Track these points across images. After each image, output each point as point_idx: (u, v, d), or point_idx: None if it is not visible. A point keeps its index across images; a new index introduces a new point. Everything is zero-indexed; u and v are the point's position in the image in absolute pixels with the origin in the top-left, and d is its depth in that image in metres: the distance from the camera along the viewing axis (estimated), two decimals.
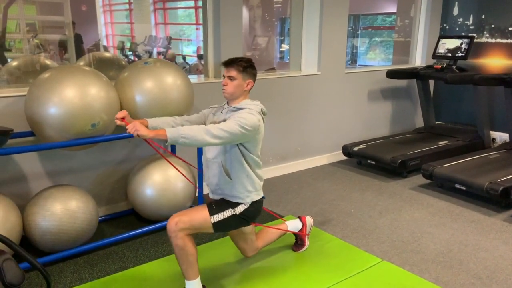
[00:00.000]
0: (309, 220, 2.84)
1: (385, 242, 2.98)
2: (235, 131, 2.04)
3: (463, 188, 3.65)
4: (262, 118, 2.23)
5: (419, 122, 5.54)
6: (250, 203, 2.25)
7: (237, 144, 2.17)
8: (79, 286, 2.44)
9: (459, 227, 3.22)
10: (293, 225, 2.79)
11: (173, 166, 2.47)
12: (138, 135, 1.95)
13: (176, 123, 2.26)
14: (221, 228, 2.23)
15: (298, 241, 2.84)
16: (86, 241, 2.78)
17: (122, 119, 2.09)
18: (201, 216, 2.18)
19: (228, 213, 2.22)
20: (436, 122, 5.45)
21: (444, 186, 3.98)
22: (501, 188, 3.36)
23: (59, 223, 2.60)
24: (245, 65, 2.21)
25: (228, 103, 2.29)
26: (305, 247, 2.82)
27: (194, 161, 3.35)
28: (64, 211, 2.62)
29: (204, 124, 2.30)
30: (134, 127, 1.95)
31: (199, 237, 3.01)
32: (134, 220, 3.27)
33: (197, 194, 3.29)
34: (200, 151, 3.18)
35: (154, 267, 2.65)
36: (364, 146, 4.55)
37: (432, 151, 4.41)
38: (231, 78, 2.20)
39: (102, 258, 2.74)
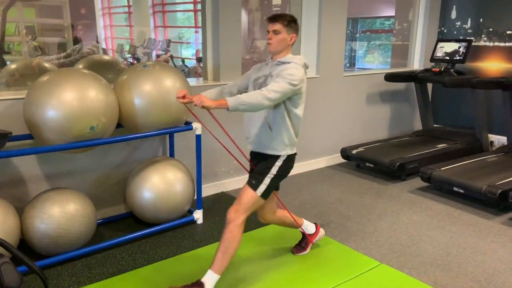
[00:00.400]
0: (322, 231, 2.88)
1: (383, 245, 2.98)
2: (286, 89, 2.17)
3: (462, 191, 3.66)
4: (305, 71, 2.33)
5: (418, 125, 5.55)
6: (285, 156, 2.36)
7: None
8: None
9: (458, 230, 3.22)
10: (308, 226, 2.82)
11: (231, 139, 2.51)
12: (203, 106, 2.10)
13: (225, 93, 2.47)
14: (267, 194, 2.37)
15: (302, 243, 2.84)
16: (84, 244, 2.78)
17: (183, 96, 2.21)
18: (249, 196, 2.32)
19: (267, 180, 2.34)
20: (435, 125, 5.46)
21: (442, 189, 3.98)
22: (499, 191, 3.37)
23: (57, 226, 2.59)
24: (289, 20, 2.30)
25: (272, 58, 2.39)
26: (305, 252, 2.82)
27: (192, 165, 3.35)
28: (62, 214, 2.62)
29: (248, 84, 2.45)
30: (200, 99, 2.10)
31: (197, 241, 3.01)
32: (132, 223, 3.27)
33: (195, 197, 3.30)
34: (199, 154, 3.18)
35: (153, 270, 2.64)
36: (362, 149, 4.55)
37: (431, 154, 4.42)
38: (275, 32, 2.29)
39: (100, 261, 2.74)
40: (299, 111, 2.34)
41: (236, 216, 2.28)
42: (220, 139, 2.69)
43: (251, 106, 2.13)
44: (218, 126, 2.48)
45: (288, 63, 2.28)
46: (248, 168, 2.56)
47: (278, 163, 2.36)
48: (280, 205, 2.70)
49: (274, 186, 2.40)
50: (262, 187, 2.32)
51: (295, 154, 2.43)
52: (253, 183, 2.34)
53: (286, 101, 2.27)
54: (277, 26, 2.28)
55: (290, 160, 2.40)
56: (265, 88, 2.15)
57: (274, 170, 2.35)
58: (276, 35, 2.29)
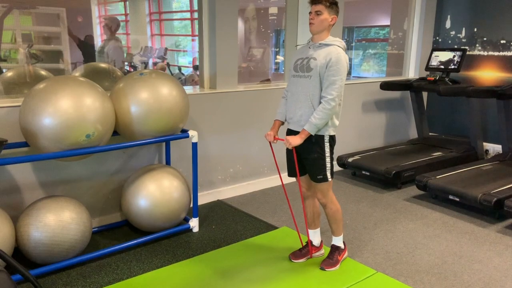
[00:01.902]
0: (323, 251, 2.90)
1: (379, 253, 2.98)
2: (341, 86, 2.44)
3: (457, 199, 3.67)
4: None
5: (413, 134, 5.58)
6: (328, 136, 2.55)
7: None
8: None
9: (453, 238, 3.23)
10: (316, 236, 2.85)
11: (295, 160, 2.63)
12: (293, 147, 2.47)
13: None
14: (333, 172, 2.63)
15: (302, 250, 2.84)
16: (79, 253, 2.76)
17: (274, 137, 2.60)
18: (324, 186, 2.60)
19: (328, 165, 2.57)
20: (430, 134, 5.49)
21: (438, 197, 4.00)
22: (495, 199, 3.38)
23: (52, 234, 2.58)
24: (331, 2, 2.46)
25: (312, 39, 2.55)
26: (302, 260, 2.81)
27: (188, 173, 3.34)
28: (57, 222, 2.60)
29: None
30: (289, 142, 2.46)
31: (193, 249, 3.00)
32: (128, 232, 3.25)
33: (191, 205, 3.29)
34: (195, 162, 3.18)
35: (148, 279, 2.63)
36: (358, 157, 4.57)
37: (426, 162, 4.44)
38: (318, 12, 2.44)
39: (95, 270, 2.72)
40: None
41: (326, 198, 2.62)
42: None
43: (326, 121, 2.45)
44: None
45: (330, 45, 2.46)
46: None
47: (326, 144, 2.55)
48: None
49: (332, 163, 2.61)
50: (328, 174, 2.58)
51: (335, 135, 2.62)
52: (321, 178, 2.57)
53: None
54: (320, 7, 2.42)
55: (333, 140, 2.60)
56: (326, 99, 2.41)
57: (327, 151, 2.56)
58: (318, 16, 2.44)
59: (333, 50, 2.44)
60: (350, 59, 9.63)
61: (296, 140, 2.45)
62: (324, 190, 2.61)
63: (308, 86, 2.49)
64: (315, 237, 2.84)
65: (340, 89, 2.44)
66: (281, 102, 2.72)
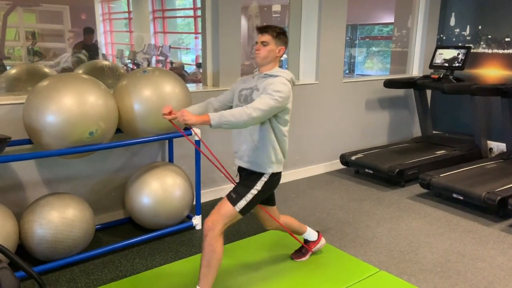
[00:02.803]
0: (323, 240, 2.88)
1: (382, 251, 2.98)
2: (271, 107, 2.11)
3: (461, 197, 3.66)
4: (292, 87, 2.27)
5: (417, 132, 5.56)
6: (270, 174, 2.29)
7: None
8: None
9: (457, 237, 3.22)
10: (310, 233, 2.82)
11: (214, 163, 2.50)
12: (185, 123, 2.08)
13: (210, 108, 2.42)
14: (247, 210, 2.27)
15: (302, 249, 2.84)
16: (82, 250, 2.77)
17: (169, 113, 2.22)
18: (228, 210, 2.23)
19: (249, 196, 2.25)
20: (434, 132, 5.47)
21: (441, 195, 3.98)
22: (499, 198, 3.37)
23: (55, 231, 2.59)
24: (278, 31, 2.27)
25: (258, 70, 2.35)
26: (304, 258, 2.81)
27: (191, 171, 3.34)
28: (61, 219, 2.61)
29: (233, 98, 2.39)
30: (182, 115, 2.08)
31: (196, 246, 3.00)
32: (131, 229, 3.26)
33: (194, 203, 3.29)
34: (198, 160, 3.18)
35: (151, 276, 2.63)
36: (362, 155, 4.56)
37: (430, 160, 4.42)
38: (264, 43, 2.26)
39: (98, 267, 2.73)
40: (284, 128, 2.29)
41: (212, 227, 2.18)
42: (205, 151, 2.67)
43: (234, 124, 2.08)
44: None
45: (276, 76, 2.23)
46: (237, 181, 2.46)
47: (264, 179, 2.29)
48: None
49: (255, 202, 2.29)
50: (242, 203, 2.24)
51: (280, 172, 2.35)
52: (233, 197, 2.25)
53: (271, 118, 2.22)
54: (266, 37, 2.24)
55: (276, 177, 2.34)
56: (250, 105, 2.09)
57: (258, 185, 2.28)
58: (264, 47, 2.25)
59: (277, 80, 2.20)
60: (354, 57, 9.61)
61: (190, 117, 2.06)
62: (223, 213, 2.22)
63: None
64: (309, 234, 2.82)
65: (271, 111, 2.12)
66: (203, 103, 2.45)
